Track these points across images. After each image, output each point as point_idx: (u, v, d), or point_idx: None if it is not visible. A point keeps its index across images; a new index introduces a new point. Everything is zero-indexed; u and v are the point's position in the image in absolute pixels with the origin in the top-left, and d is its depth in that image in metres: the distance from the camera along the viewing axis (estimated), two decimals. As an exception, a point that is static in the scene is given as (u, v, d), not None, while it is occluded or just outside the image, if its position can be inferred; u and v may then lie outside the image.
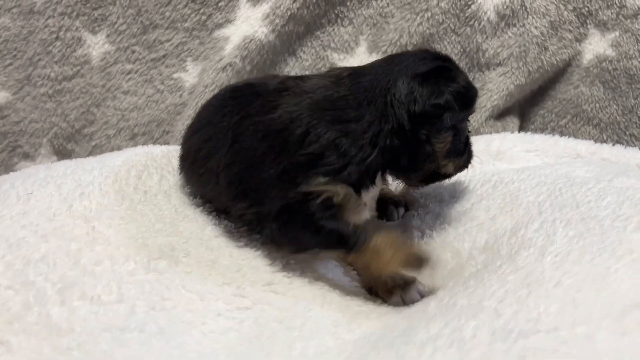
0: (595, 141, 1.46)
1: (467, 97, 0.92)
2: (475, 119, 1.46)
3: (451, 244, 0.96)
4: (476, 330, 0.65)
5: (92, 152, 1.69)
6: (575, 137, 1.48)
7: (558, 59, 1.46)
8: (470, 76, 1.50)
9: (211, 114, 1.05)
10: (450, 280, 0.89)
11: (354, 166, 0.86)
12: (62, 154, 1.71)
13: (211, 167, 0.97)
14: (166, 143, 1.66)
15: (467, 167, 1.00)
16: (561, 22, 1.45)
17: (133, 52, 1.70)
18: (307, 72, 1.60)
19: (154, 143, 1.68)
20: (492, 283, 0.76)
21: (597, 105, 1.46)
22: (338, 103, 0.88)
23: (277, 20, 1.54)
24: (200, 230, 0.96)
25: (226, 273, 0.88)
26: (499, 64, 1.46)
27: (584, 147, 1.27)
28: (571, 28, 1.46)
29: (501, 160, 1.22)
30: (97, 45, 1.69)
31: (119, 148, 1.67)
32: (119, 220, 0.92)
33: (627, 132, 1.44)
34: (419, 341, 0.67)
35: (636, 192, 0.88)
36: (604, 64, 1.45)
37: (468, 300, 0.74)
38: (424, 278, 0.89)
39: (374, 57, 1.53)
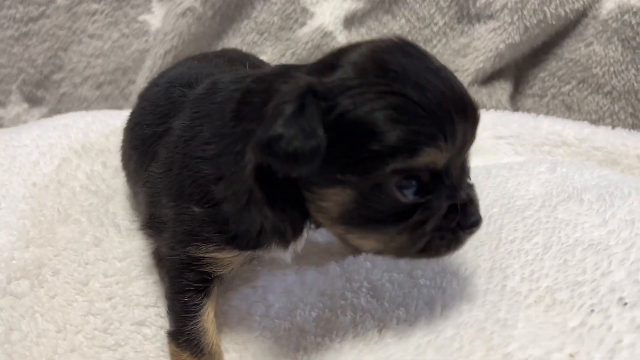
0: (604, 114, 1.22)
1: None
2: (455, 85, 1.24)
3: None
4: None
5: (61, 100, 1.62)
6: (580, 107, 1.23)
7: (568, 10, 1.18)
8: (458, 30, 1.26)
9: (143, 113, 0.83)
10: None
11: None
12: (33, 101, 1.65)
13: (135, 177, 0.81)
14: (129, 94, 1.55)
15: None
16: (576, -39, 1.16)
17: (98, -10, 1.56)
18: (275, 18, 1.40)
19: (120, 93, 1.58)
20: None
21: (612, 68, 1.19)
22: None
23: (241, -43, 1.33)
24: (81, 236, 0.86)
25: (95, 301, 0.80)
26: (491, 17, 1.20)
27: (572, 131, 1.04)
28: (589, -31, 1.17)
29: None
30: (61, -17, 1.56)
31: (86, 98, 1.59)
32: (-11, 227, 0.84)
33: (646, 104, 1.18)
34: None
35: (572, 232, 0.70)
36: (626, 16, 1.16)
37: None
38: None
39: (349, 2, 1.32)
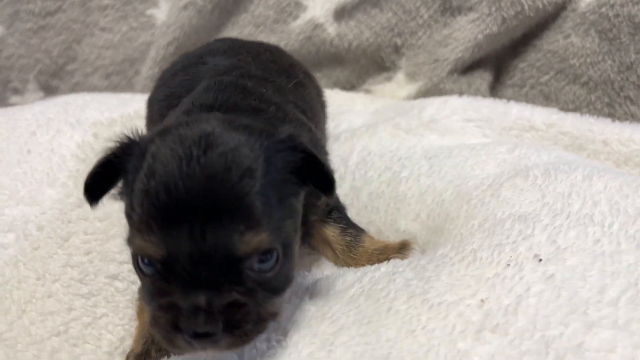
0: (581, 103, 1.25)
1: None
2: (435, 74, 1.28)
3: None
4: None
5: (74, 89, 1.71)
6: (558, 97, 1.26)
7: (546, 2, 1.22)
8: (441, 22, 1.31)
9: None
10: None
11: None
12: (48, 90, 1.75)
13: None
14: (135, 84, 1.64)
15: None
16: (554, -45, 1.20)
17: (110, -14, 1.66)
18: (271, 12, 1.47)
19: (127, 82, 1.67)
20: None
21: (588, 59, 1.22)
22: None
23: (237, -45, 1.41)
24: (66, 198, 0.94)
25: (74, 255, 0.86)
26: (470, 9, 1.25)
27: (540, 117, 1.07)
28: (567, -37, 1.21)
29: (432, 130, 1.06)
30: (76, -21, 1.67)
31: (96, 87, 1.69)
32: (-16, 187, 0.92)
33: (622, 94, 1.20)
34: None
35: (507, 209, 0.73)
36: (603, 9, 1.19)
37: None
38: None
39: (341, -6, 1.38)
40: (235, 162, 0.55)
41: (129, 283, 0.84)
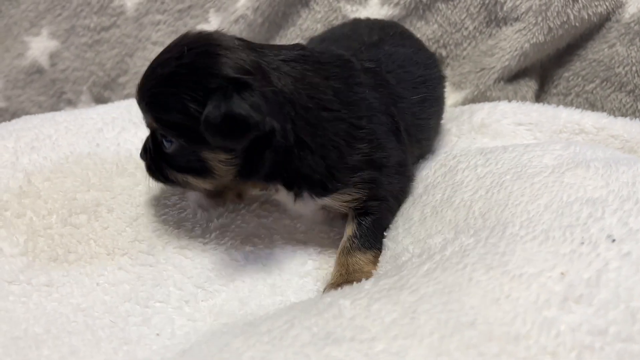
0: (627, 111, 1.27)
1: None
2: (481, 82, 1.32)
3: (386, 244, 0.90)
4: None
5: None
6: (604, 105, 1.28)
7: (591, 13, 1.26)
8: (487, 33, 1.35)
9: None
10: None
11: None
12: (100, 101, 1.82)
13: None
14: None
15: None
16: (599, -33, 1.24)
17: (162, 2, 1.74)
18: (319, 25, 1.53)
19: (177, 94, 1.73)
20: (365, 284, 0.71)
21: (634, 68, 1.24)
22: None
23: (288, -30, 1.47)
24: (134, 186, 0.99)
25: (142, 231, 0.91)
26: (517, 19, 1.29)
27: (590, 121, 1.09)
28: (612, -25, 1.24)
29: (484, 134, 1.09)
30: (132, -4, 1.75)
31: (146, 98, 1.75)
32: (59, 174, 0.98)
33: (668, 101, 1.22)
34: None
35: (574, 193, 0.75)
36: (648, 19, 1.22)
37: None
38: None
39: (386, 9, 1.43)
40: None
41: (199, 251, 0.88)
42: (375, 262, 0.89)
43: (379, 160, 0.88)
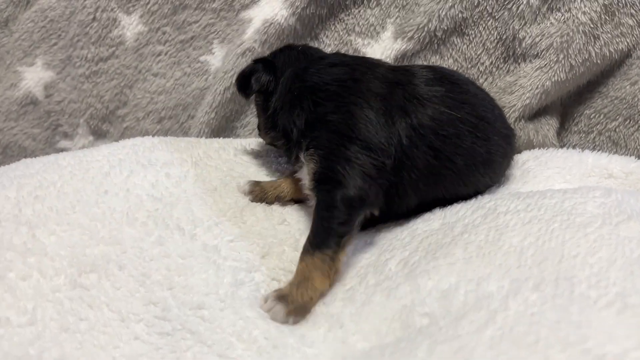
0: (652, 151, 1.23)
1: None
2: (502, 120, 1.27)
3: (415, 279, 0.84)
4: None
5: (124, 134, 1.72)
6: (627, 143, 1.25)
7: (612, 50, 1.23)
8: (504, 69, 1.32)
9: None
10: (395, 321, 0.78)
11: None
12: (98, 134, 1.76)
13: None
14: (188, 128, 1.65)
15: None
16: (620, 4, 1.21)
17: (164, 33, 1.69)
18: (328, 59, 1.49)
19: (179, 127, 1.68)
20: (418, 351, 0.65)
21: (658, 106, 1.21)
22: None
23: (297, 2, 1.43)
24: (146, 236, 0.92)
25: (156, 290, 0.84)
26: (537, 56, 1.25)
27: (617, 165, 1.06)
28: (633, 12, 1.21)
29: (511, 179, 1.05)
30: (131, 26, 1.70)
31: (147, 131, 1.69)
32: (65, 227, 0.91)
33: (694, 141, 1.19)
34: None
35: (636, 248, 0.70)
36: (671, 56, 1.20)
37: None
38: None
39: (399, 43, 1.39)
40: None
41: (217, 310, 0.81)
42: (326, 270, 0.81)
43: (339, 125, 0.90)
